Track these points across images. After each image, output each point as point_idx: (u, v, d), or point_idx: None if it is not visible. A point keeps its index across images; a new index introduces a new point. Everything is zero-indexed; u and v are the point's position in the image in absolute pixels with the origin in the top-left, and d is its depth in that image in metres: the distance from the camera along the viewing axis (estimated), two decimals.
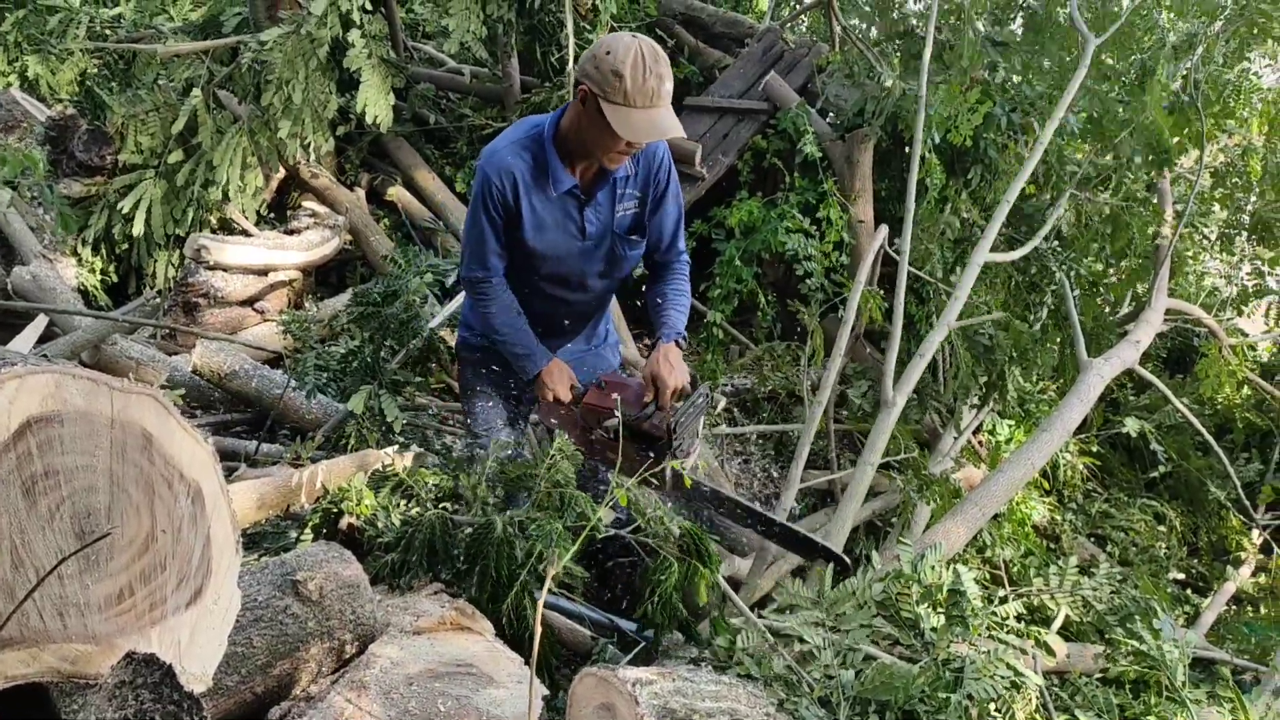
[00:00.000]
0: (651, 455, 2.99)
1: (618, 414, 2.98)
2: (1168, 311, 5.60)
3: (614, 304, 3.92)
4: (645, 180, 3.19)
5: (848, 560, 3.43)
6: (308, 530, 2.93)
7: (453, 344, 5.73)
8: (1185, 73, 5.72)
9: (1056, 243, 5.58)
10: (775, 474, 5.39)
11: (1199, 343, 6.11)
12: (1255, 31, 5.84)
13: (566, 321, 3.44)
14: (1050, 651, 3.00)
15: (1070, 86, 5.05)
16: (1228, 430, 6.23)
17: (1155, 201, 6.17)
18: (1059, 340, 5.39)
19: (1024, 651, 2.80)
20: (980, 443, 5.59)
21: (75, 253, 5.71)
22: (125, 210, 5.56)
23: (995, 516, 5.29)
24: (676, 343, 3.19)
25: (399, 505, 2.94)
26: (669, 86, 2.87)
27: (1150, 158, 5.58)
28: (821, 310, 5.28)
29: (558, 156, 3.06)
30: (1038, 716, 2.77)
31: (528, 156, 3.07)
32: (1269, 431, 6.13)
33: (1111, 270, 6.20)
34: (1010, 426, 5.72)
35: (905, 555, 3.18)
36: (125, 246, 5.79)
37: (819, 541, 3.43)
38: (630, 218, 3.22)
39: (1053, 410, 4.49)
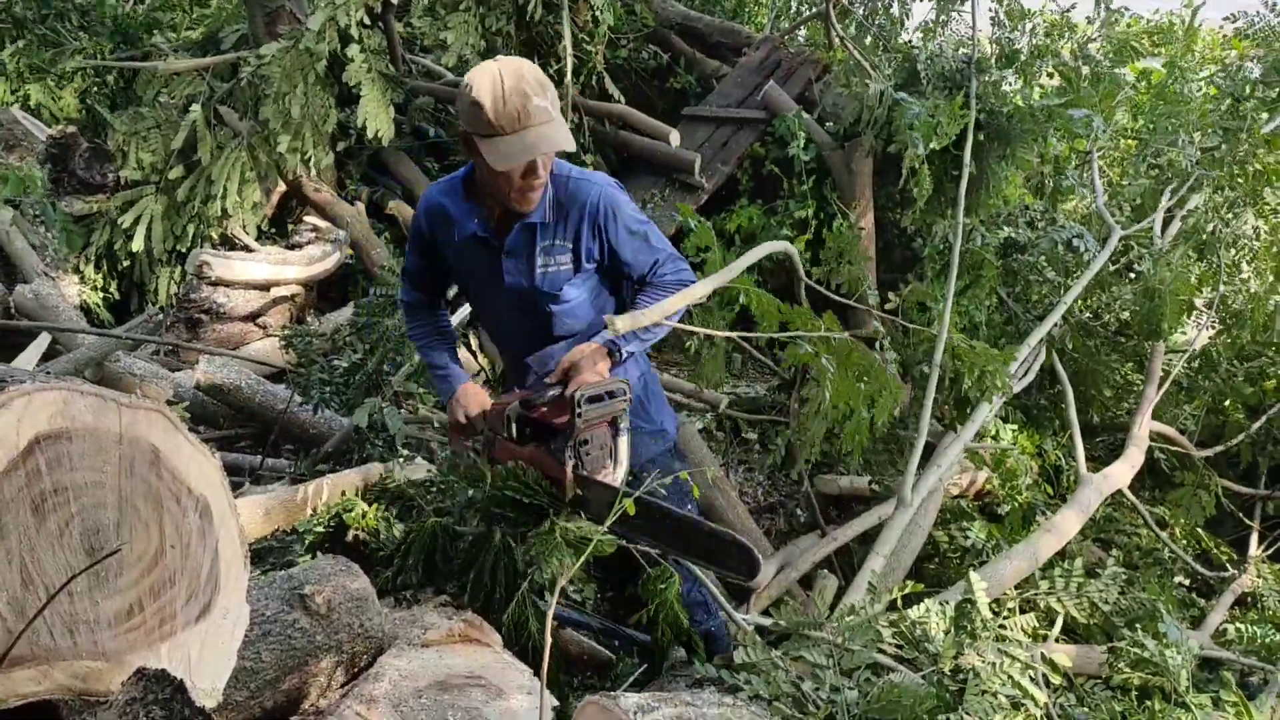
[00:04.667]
0: (561, 460, 2.73)
1: (515, 403, 2.79)
2: (1152, 434, 5.95)
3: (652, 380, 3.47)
4: (574, 229, 2.91)
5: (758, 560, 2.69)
6: (312, 543, 2.93)
7: None
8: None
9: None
10: (779, 483, 5.40)
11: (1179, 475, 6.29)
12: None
13: (529, 379, 3.21)
14: (1056, 669, 2.99)
15: (1086, 275, 5.39)
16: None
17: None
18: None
19: (1030, 666, 2.80)
20: (983, 448, 5.60)
21: (77, 270, 5.72)
22: (126, 226, 5.58)
23: (1001, 519, 5.34)
24: (610, 353, 2.93)
25: (399, 517, 2.95)
26: (539, 102, 2.64)
27: (1147, 328, 5.90)
28: None
29: (468, 200, 2.92)
30: None
31: (452, 194, 2.97)
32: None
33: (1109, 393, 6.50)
34: (1013, 430, 5.74)
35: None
36: (127, 263, 5.81)
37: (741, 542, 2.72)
38: (559, 274, 2.95)
39: (1054, 514, 4.76)
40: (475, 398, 3.02)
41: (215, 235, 6.02)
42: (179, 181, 5.65)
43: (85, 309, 5.66)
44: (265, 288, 5.70)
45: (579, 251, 2.94)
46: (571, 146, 2.73)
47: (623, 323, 2.55)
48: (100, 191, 5.90)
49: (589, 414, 2.72)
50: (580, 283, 3.00)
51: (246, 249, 5.95)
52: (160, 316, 5.66)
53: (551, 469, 2.76)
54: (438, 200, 3.00)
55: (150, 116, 5.85)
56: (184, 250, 5.80)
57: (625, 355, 2.99)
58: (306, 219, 6.36)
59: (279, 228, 6.70)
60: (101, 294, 5.82)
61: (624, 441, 2.90)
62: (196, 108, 5.72)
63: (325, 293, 6.50)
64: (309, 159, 6.16)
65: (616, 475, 2.87)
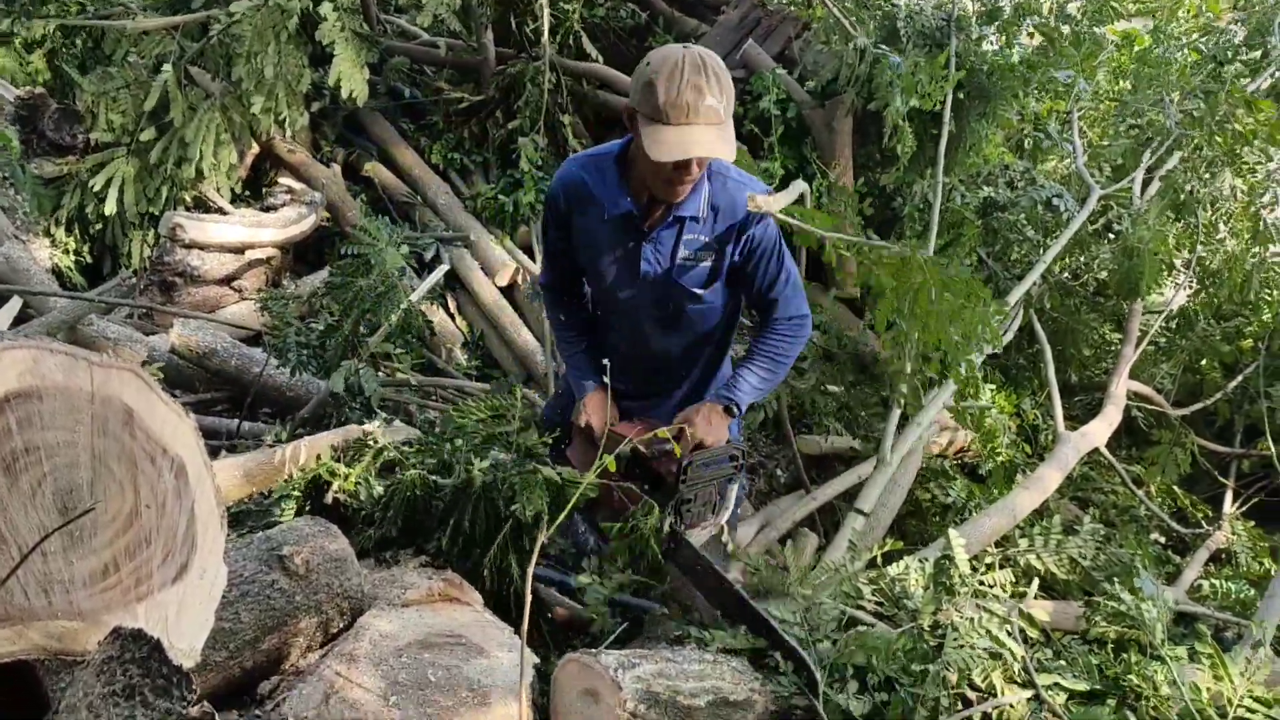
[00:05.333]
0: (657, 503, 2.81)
1: (632, 441, 2.81)
2: (1130, 393, 6.00)
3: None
4: (724, 232, 2.86)
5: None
6: (291, 504, 2.91)
7: (433, 318, 5.73)
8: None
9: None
10: (759, 443, 5.40)
11: (1155, 434, 6.35)
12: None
13: (648, 376, 3.17)
14: (1034, 623, 3.02)
15: (1065, 233, 5.39)
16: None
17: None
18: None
19: (1008, 621, 2.82)
20: (964, 408, 5.62)
21: (48, 233, 5.63)
22: (97, 189, 5.48)
23: (983, 479, 5.37)
24: (728, 408, 2.94)
25: (380, 477, 2.93)
26: (711, 102, 2.55)
27: (1126, 287, 5.92)
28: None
29: (620, 178, 2.84)
30: (1019, 679, 2.79)
31: (595, 172, 2.89)
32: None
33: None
34: (992, 390, 5.77)
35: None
36: (99, 226, 5.71)
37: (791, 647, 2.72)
38: (699, 271, 2.91)
39: (1032, 472, 4.84)
40: (598, 409, 3.01)
41: (188, 198, 5.93)
42: (151, 143, 5.55)
43: (57, 272, 5.57)
44: (240, 250, 5.63)
45: (722, 254, 2.90)
46: (731, 157, 2.68)
47: (764, 201, 2.66)
48: (70, 153, 5.79)
49: (695, 479, 2.79)
50: (719, 287, 2.97)
51: (220, 211, 5.87)
52: (133, 280, 5.59)
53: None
54: (579, 175, 2.92)
55: (120, 77, 5.74)
56: (157, 213, 5.71)
57: (741, 410, 2.99)
58: (281, 181, 6.28)
59: (253, 190, 6.61)
60: (73, 257, 5.73)
61: (733, 490, 2.98)
62: (167, 68, 5.61)
63: (301, 255, 6.44)
64: (283, 120, 6.07)
65: (719, 519, 2.97)
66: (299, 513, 2.90)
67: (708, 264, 2.91)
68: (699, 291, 2.94)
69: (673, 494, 2.80)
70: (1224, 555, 5.50)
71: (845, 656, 2.66)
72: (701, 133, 2.56)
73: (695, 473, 2.80)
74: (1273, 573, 4.98)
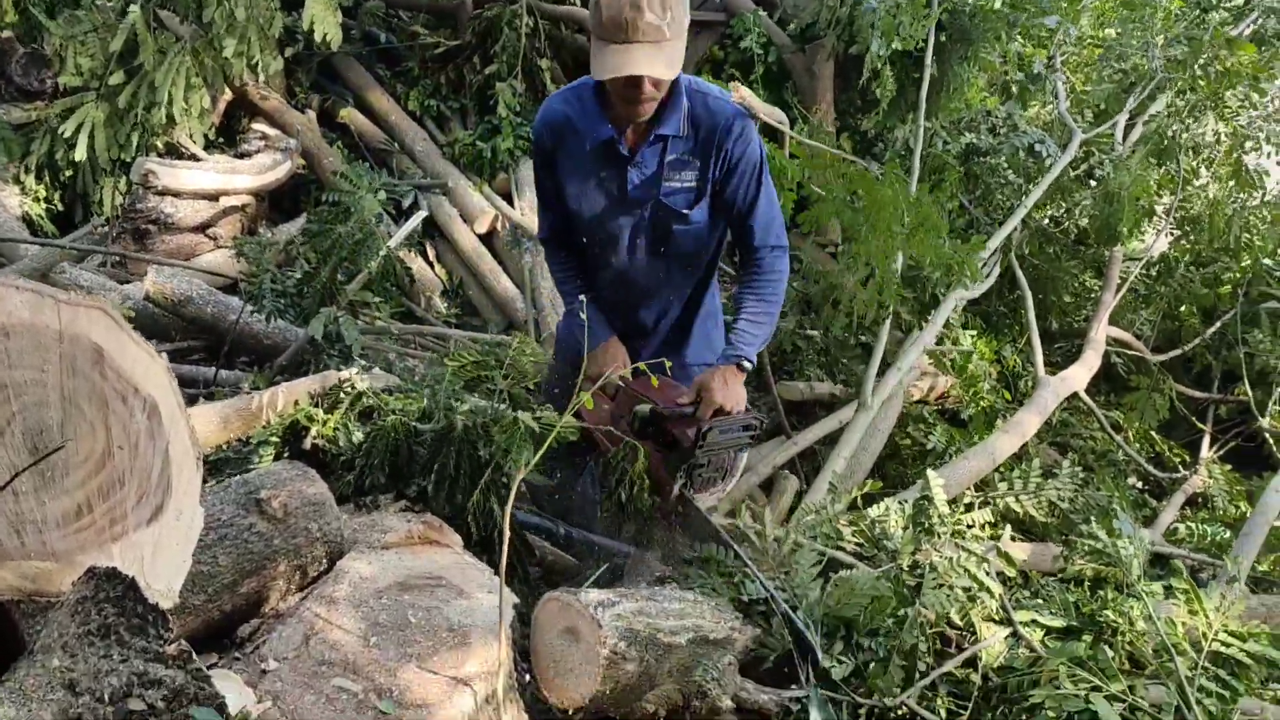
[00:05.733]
0: (672, 476, 2.81)
1: (648, 403, 2.83)
2: (1109, 338, 6.04)
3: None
4: (704, 148, 2.84)
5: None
6: (269, 450, 2.89)
7: (412, 266, 5.68)
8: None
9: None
10: None
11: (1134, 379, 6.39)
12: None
13: (633, 311, 3.15)
14: (1011, 562, 3.05)
15: (1047, 178, 5.34)
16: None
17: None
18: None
19: (986, 560, 2.84)
20: (944, 353, 5.64)
21: (18, 180, 5.53)
22: (67, 135, 5.37)
23: (964, 424, 5.40)
24: (739, 365, 2.89)
25: (359, 423, 2.91)
26: (651, 19, 2.50)
27: (1107, 233, 5.94)
28: None
29: (600, 107, 2.82)
30: (996, 617, 2.81)
31: (576, 102, 2.87)
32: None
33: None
34: (972, 337, 5.78)
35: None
36: (69, 173, 5.61)
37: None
38: (684, 191, 2.90)
39: (1012, 416, 4.88)
40: (615, 357, 2.98)
41: (161, 144, 5.82)
42: (120, 88, 5.44)
43: (27, 220, 5.48)
44: (214, 198, 5.54)
45: (706, 172, 2.88)
46: (671, 76, 2.64)
47: (747, 93, 2.55)
48: (39, 98, 5.67)
49: (712, 446, 2.76)
50: (706, 205, 2.95)
51: (193, 158, 5.77)
52: (106, 228, 5.51)
53: (660, 476, 2.81)
54: (560, 110, 2.89)
55: (88, 20, 5.60)
56: (129, 160, 5.61)
57: (754, 365, 2.95)
58: (255, 127, 6.17)
59: (227, 138, 6.51)
60: (44, 205, 5.62)
61: (743, 458, 2.99)
62: (135, 9, 5.48)
63: (277, 204, 6.35)
64: (256, 64, 5.95)
65: (726, 487, 2.97)
66: (277, 459, 2.88)
67: (692, 183, 2.89)
68: (685, 212, 2.92)
69: (687, 458, 2.78)
70: (1200, 499, 5.57)
71: (838, 609, 2.67)
72: (640, 51, 2.52)
73: (713, 439, 2.77)
74: (1248, 516, 5.04)
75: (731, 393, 2.81)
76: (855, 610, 2.68)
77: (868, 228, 3.08)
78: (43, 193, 5.62)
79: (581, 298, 3.02)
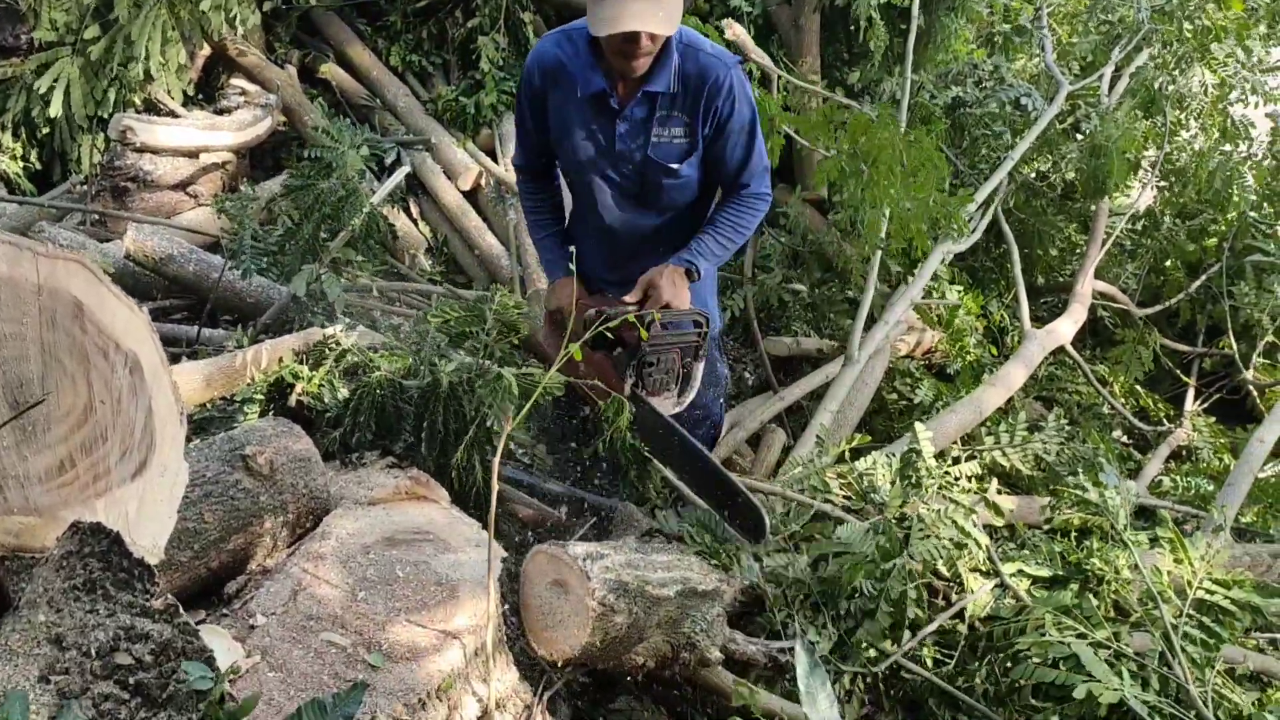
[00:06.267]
0: (621, 375, 2.81)
1: (596, 308, 2.79)
2: (1095, 292, 6.05)
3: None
4: (694, 105, 2.83)
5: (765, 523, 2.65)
6: (254, 408, 2.88)
7: (395, 223, 5.63)
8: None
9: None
10: (727, 347, 5.39)
11: (1120, 333, 6.39)
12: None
13: (624, 264, 3.12)
14: (999, 512, 3.06)
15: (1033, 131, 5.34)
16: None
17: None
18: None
19: (973, 511, 2.85)
20: (931, 308, 5.64)
21: None
22: (43, 91, 5.28)
23: (951, 378, 5.41)
24: (689, 270, 2.89)
25: (345, 380, 2.90)
26: None
27: (1093, 186, 5.91)
28: None
29: (593, 56, 2.79)
30: (983, 568, 2.83)
31: (569, 46, 2.83)
32: None
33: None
34: (959, 291, 5.78)
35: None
36: (46, 130, 5.53)
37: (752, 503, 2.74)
38: (674, 147, 2.90)
39: (999, 370, 4.89)
40: (566, 292, 2.95)
41: (139, 100, 5.74)
42: (95, 42, 5.34)
43: (4, 179, 5.40)
44: (194, 155, 5.46)
45: (695, 127, 2.87)
46: (669, 32, 2.63)
47: (740, 30, 2.61)
48: (14, 54, 5.57)
49: (658, 338, 2.75)
50: (695, 160, 2.94)
51: (172, 114, 5.68)
52: (84, 186, 5.43)
53: (611, 381, 2.79)
54: (553, 52, 2.86)
55: None
56: (106, 116, 5.53)
57: (701, 274, 2.96)
58: (234, 82, 6.08)
59: (207, 94, 6.42)
60: (21, 163, 5.54)
61: (699, 368, 2.93)
62: None
63: (258, 161, 6.27)
64: (234, 18, 5.85)
65: (683, 400, 2.93)
66: (262, 416, 2.87)
67: (681, 139, 2.89)
68: (674, 167, 2.92)
69: (635, 354, 2.79)
70: (1185, 452, 5.60)
71: (832, 576, 2.69)
72: (638, 6, 2.50)
73: (658, 334, 2.77)
74: (1232, 468, 5.08)
75: (678, 292, 2.82)
76: (838, 569, 2.70)
77: (869, 172, 3.06)
78: (19, 151, 5.54)
79: (547, 234, 3.04)
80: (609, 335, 2.74)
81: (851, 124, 3.01)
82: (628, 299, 2.86)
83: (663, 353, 2.84)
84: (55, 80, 5.30)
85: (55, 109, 5.25)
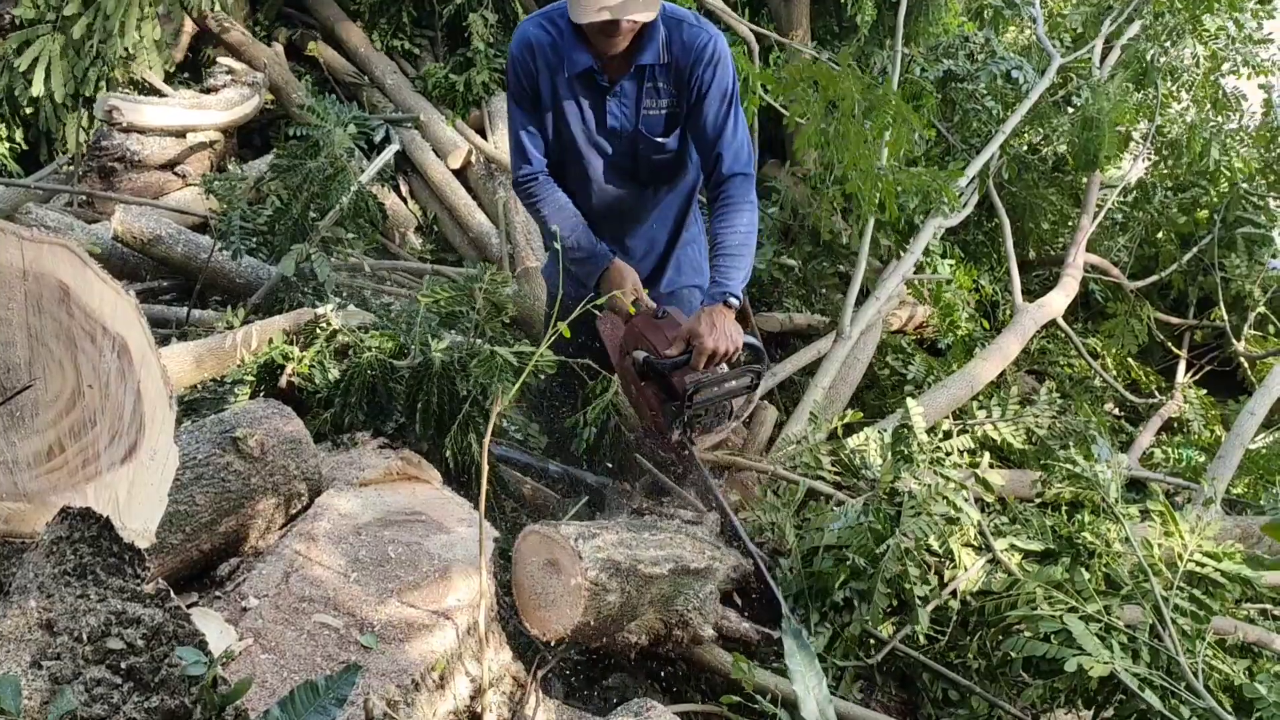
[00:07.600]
0: (669, 426, 2.78)
1: (645, 353, 2.77)
2: (1087, 265, 6.02)
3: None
4: (680, 75, 2.81)
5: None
6: (245, 389, 2.87)
7: (385, 201, 5.59)
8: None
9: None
10: None
11: (1111, 306, 6.39)
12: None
13: (620, 241, 3.10)
14: (989, 487, 3.07)
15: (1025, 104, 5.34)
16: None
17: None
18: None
19: (964, 486, 2.86)
20: (923, 282, 5.63)
21: None
22: (24, 69, 5.22)
23: (943, 353, 5.41)
24: (726, 302, 2.77)
25: (335, 361, 2.88)
26: None
27: (1084, 159, 5.88)
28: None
29: (577, 36, 2.76)
30: (975, 543, 2.84)
31: (552, 30, 2.81)
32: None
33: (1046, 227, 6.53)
34: (951, 266, 5.77)
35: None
36: (30, 110, 5.47)
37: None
38: (662, 118, 2.89)
39: (991, 344, 4.86)
40: (625, 277, 2.91)
41: (122, 78, 5.68)
42: (76, 19, 5.27)
43: None
44: (181, 134, 5.42)
45: (680, 97, 2.88)
46: (649, 17, 2.62)
47: None
48: None
49: (709, 392, 2.74)
50: (681, 133, 2.95)
51: (158, 93, 5.63)
52: (71, 167, 5.39)
53: (657, 420, 2.80)
54: (535, 34, 2.83)
55: None
56: (90, 96, 5.48)
57: (741, 300, 2.87)
58: (221, 61, 6.02)
59: (192, 73, 6.37)
60: (7, 144, 5.50)
61: (756, 393, 2.90)
62: None
63: (246, 140, 6.23)
64: None
65: (732, 424, 2.97)
66: (253, 397, 2.86)
67: (667, 109, 2.90)
68: (662, 140, 2.93)
69: (683, 409, 2.74)
70: (1176, 424, 5.62)
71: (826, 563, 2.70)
72: None
73: (705, 394, 2.72)
74: (1223, 440, 5.10)
75: (722, 334, 2.70)
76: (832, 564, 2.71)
77: (834, 125, 3.04)
78: (4, 131, 5.49)
79: (581, 222, 2.97)
80: (658, 368, 2.73)
81: (820, 77, 2.98)
82: (669, 353, 2.74)
83: (714, 404, 2.82)
84: (36, 59, 5.23)
85: (37, 88, 5.19)
